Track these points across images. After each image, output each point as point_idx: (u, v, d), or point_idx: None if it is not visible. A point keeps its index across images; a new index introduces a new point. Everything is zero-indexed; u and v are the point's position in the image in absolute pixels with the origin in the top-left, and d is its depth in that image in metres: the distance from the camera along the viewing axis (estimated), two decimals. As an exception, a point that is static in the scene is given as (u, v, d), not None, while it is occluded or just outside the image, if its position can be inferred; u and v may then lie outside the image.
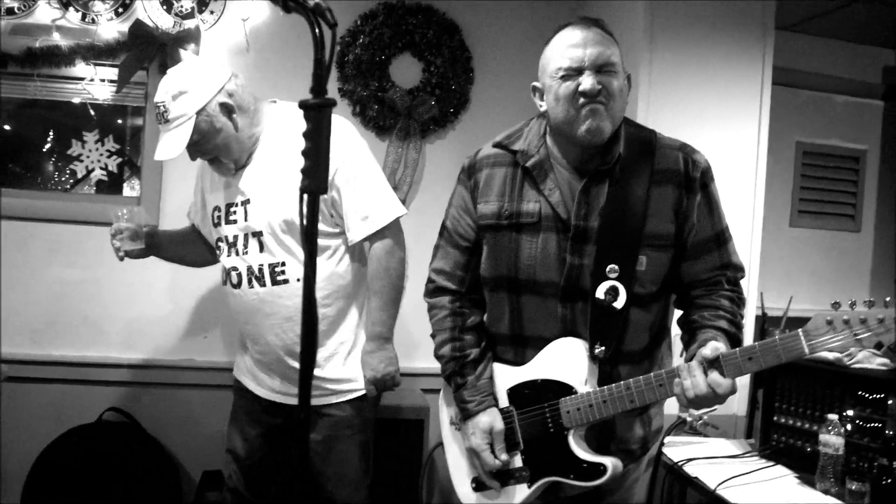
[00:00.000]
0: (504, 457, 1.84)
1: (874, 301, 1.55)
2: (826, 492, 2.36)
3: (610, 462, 1.76)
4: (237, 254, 2.34)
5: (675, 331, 1.95)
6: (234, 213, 2.34)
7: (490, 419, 1.86)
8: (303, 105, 0.96)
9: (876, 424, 2.43)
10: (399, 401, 3.16)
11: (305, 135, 0.96)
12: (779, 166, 3.86)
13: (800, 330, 1.58)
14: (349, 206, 2.32)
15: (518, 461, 1.87)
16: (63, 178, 3.33)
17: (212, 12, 3.24)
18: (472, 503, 1.96)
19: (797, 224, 4.04)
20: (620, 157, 1.77)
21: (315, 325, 1.02)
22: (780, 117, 3.63)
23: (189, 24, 3.19)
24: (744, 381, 3.14)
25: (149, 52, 3.12)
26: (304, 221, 0.97)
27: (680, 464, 2.65)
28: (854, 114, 4.12)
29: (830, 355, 2.66)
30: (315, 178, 0.95)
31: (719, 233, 1.84)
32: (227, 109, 2.24)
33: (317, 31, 0.98)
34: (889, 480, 2.15)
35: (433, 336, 2.00)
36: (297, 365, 2.28)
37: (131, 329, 3.24)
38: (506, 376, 1.90)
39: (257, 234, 2.31)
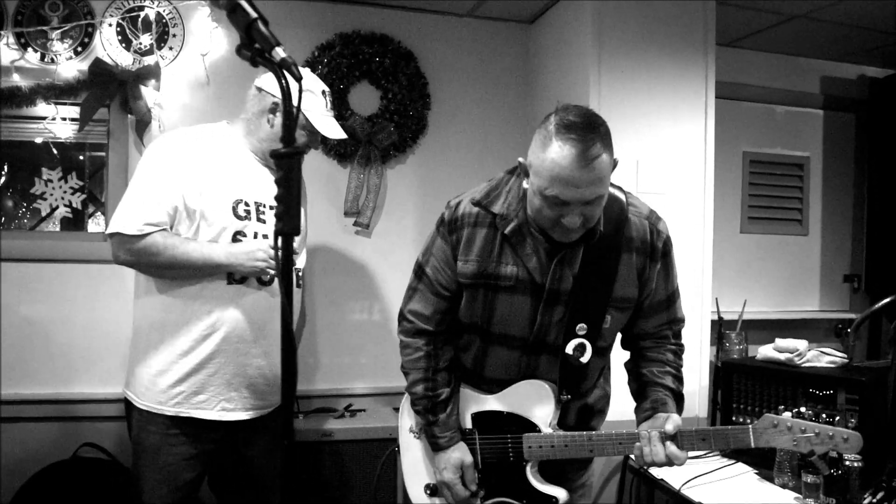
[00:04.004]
0: (473, 487, 1.99)
1: (815, 415, 1.86)
2: (784, 486, 2.48)
3: (560, 496, 1.94)
4: None
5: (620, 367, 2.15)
6: (264, 213, 2.39)
7: (460, 455, 1.99)
8: (274, 154, 1.03)
9: (827, 419, 2.56)
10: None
11: (278, 182, 1.03)
12: (727, 176, 4.01)
13: (750, 426, 1.76)
14: (301, 239, 2.62)
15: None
16: (26, 217, 3.33)
17: (171, 48, 3.29)
18: None
19: (747, 230, 4.18)
20: (600, 235, 1.84)
21: (295, 357, 1.09)
22: (726, 129, 3.79)
23: (148, 60, 3.24)
24: (703, 384, 3.26)
25: (110, 89, 3.16)
26: (281, 261, 1.05)
27: (646, 467, 2.75)
28: (796, 123, 4.29)
29: (782, 356, 2.79)
30: (288, 221, 1.03)
31: (671, 294, 1.99)
32: None
33: (284, 84, 1.05)
34: (839, 472, 2.27)
35: (405, 371, 2.07)
36: (269, 372, 2.39)
37: (103, 364, 3.23)
38: (472, 401, 2.03)
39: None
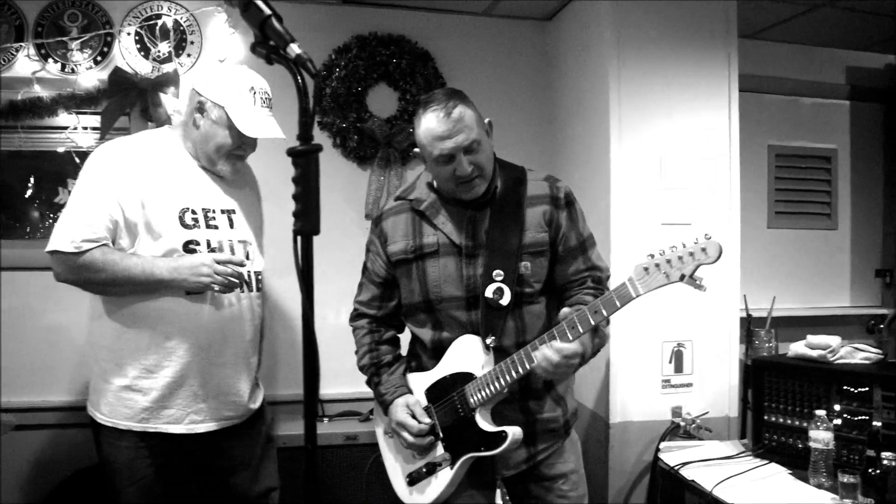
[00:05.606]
0: (427, 420, 2.13)
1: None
2: (819, 486, 2.41)
3: (510, 430, 2.02)
4: None
5: None
6: (214, 218, 2.31)
7: (405, 399, 2.17)
8: (291, 152, 1.01)
9: (863, 417, 2.49)
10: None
11: (295, 180, 1.01)
12: (753, 170, 3.94)
13: (626, 280, 1.84)
14: (258, 241, 2.53)
15: (440, 450, 2.14)
16: (50, 227, 3.34)
17: (189, 55, 3.31)
18: (408, 499, 2.22)
19: (775, 225, 4.11)
20: (497, 189, 2.14)
21: (317, 359, 1.07)
22: (751, 123, 3.72)
23: (167, 68, 3.26)
24: (733, 383, 3.20)
25: (129, 98, 3.19)
26: (300, 262, 1.02)
27: (676, 468, 2.70)
28: (821, 115, 4.21)
29: (814, 353, 2.73)
30: (307, 220, 1.00)
31: (583, 241, 2.18)
32: None
33: (300, 81, 1.03)
34: (877, 471, 2.21)
35: (356, 353, 2.32)
36: (237, 380, 2.36)
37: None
38: (421, 381, 2.21)
39: (244, 243, 2.39)
